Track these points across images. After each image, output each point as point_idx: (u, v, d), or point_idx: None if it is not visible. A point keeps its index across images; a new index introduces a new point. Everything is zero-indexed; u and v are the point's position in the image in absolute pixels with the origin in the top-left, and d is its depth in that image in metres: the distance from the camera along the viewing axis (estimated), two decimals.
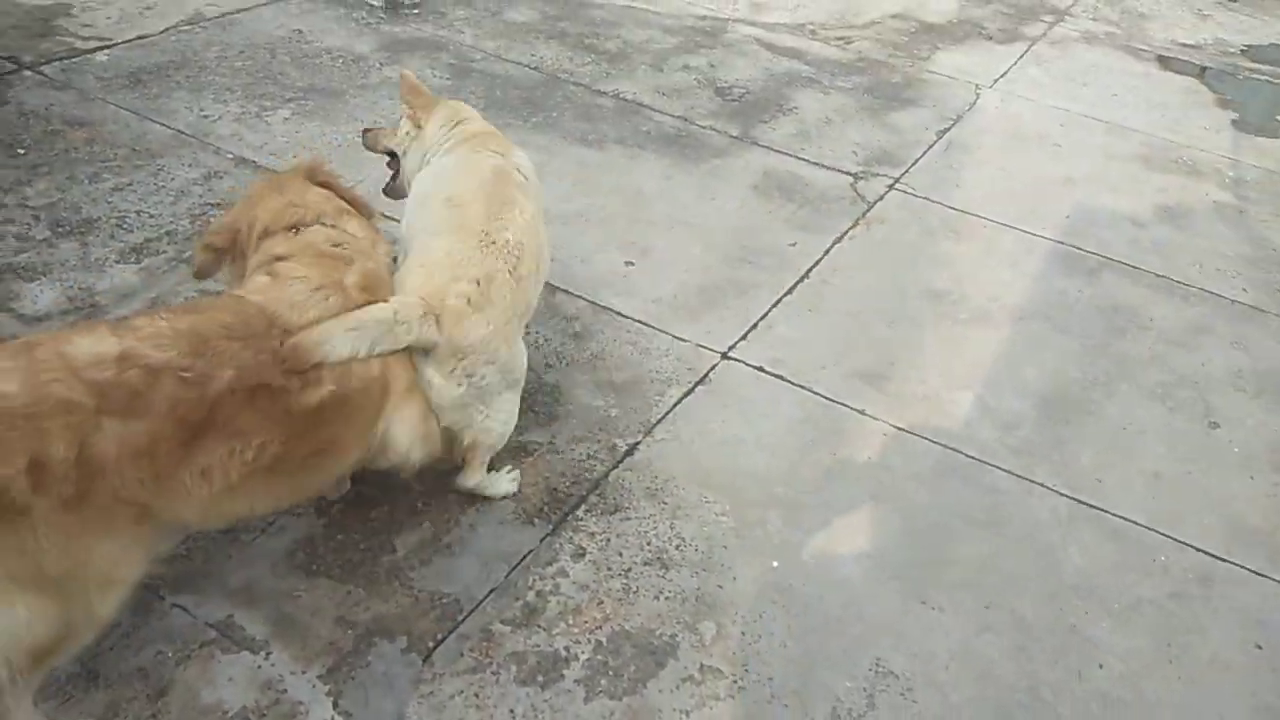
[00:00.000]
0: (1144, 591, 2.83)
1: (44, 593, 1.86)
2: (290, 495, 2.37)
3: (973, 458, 3.21)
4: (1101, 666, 2.60)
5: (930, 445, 3.24)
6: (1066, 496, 3.11)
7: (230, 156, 4.21)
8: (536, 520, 2.79)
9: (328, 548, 2.62)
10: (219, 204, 3.89)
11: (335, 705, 2.27)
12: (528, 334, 3.44)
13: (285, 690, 2.28)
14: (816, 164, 4.78)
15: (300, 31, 5.36)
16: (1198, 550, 2.98)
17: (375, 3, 5.77)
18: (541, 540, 2.74)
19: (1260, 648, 2.71)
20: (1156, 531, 3.03)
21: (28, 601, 1.84)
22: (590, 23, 5.98)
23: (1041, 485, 3.14)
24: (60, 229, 3.65)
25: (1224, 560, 2.96)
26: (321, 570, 2.57)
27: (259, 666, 2.32)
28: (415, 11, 5.79)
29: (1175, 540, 3.01)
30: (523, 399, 2.80)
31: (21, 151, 4.05)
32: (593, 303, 3.67)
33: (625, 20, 6.08)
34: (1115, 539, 2.99)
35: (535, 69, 5.33)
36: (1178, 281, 4.25)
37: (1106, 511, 3.08)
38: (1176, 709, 2.52)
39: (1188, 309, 4.09)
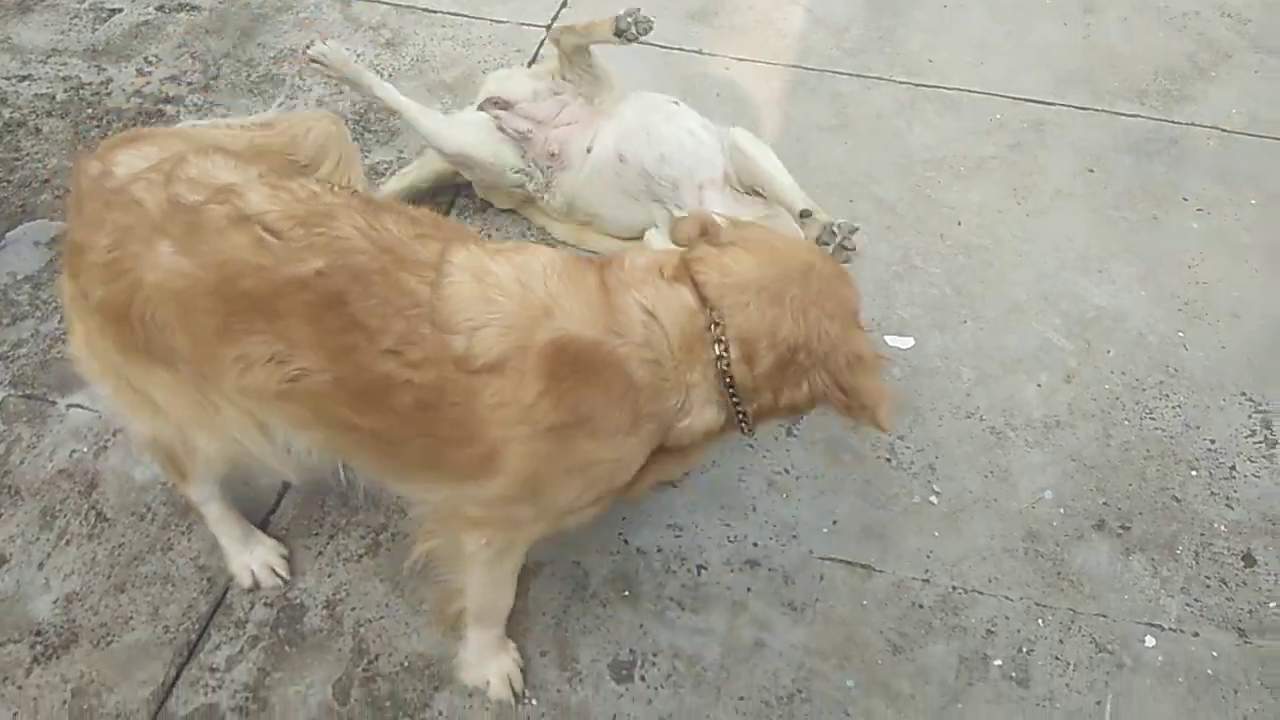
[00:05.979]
0: (986, 150, 3.02)
1: None
2: None
3: (812, 69, 3.25)
4: (960, 223, 2.81)
5: (771, 68, 3.26)
6: (904, 83, 3.21)
7: None
8: None
9: None
10: None
11: None
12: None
13: None
14: None
15: None
16: (1029, 101, 3.17)
17: None
18: None
19: (1092, 171, 2.97)
20: (990, 94, 3.19)
21: None
22: None
23: (879, 78, 3.22)
24: None
25: (1052, 104, 3.16)
26: None
27: None
28: None
29: (1008, 98, 3.18)
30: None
31: None
32: (394, 5, 3.41)
33: None
34: (954, 109, 3.14)
35: None
36: None
37: (942, 87, 3.20)
38: (1030, 240, 2.78)
39: None
